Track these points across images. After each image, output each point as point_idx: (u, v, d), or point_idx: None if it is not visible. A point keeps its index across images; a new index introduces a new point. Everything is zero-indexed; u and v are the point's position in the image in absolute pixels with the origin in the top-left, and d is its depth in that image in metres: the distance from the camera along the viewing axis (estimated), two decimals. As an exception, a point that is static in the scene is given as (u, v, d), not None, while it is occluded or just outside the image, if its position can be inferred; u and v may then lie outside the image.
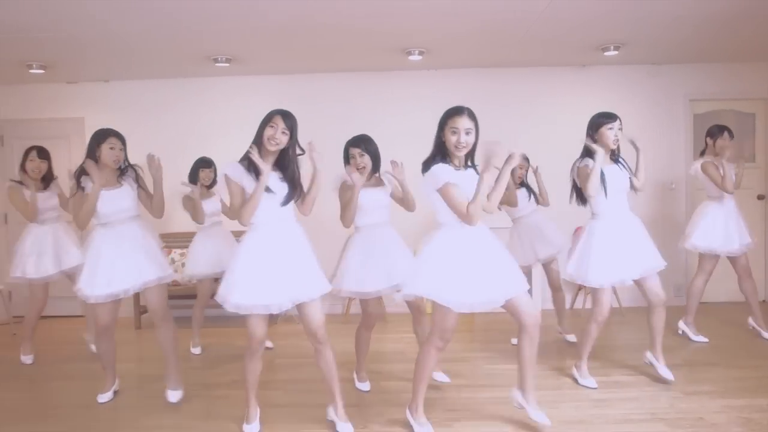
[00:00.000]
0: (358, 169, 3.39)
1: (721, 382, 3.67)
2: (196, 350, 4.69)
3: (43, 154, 4.48)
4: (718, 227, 4.46)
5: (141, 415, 3.38)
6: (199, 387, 3.81)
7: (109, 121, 5.96)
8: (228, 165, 2.90)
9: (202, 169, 4.62)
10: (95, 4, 3.86)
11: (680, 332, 4.72)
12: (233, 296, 2.81)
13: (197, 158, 4.71)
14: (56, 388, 3.97)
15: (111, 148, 3.39)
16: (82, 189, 3.30)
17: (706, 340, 4.60)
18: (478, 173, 2.80)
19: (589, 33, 4.83)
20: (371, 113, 5.92)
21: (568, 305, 5.14)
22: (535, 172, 4.60)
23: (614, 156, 3.61)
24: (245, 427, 3.07)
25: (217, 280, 4.51)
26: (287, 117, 2.89)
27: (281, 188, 2.87)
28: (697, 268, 4.68)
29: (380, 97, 6.01)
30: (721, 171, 4.42)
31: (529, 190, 4.61)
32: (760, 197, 6.05)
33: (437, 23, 4.46)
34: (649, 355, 3.76)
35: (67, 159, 6.00)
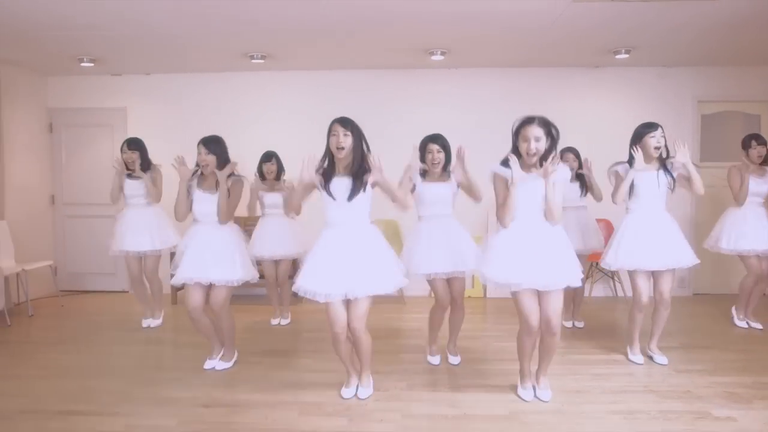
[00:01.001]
0: (433, 163, 3.74)
1: (711, 362, 4.02)
2: (276, 321, 5.16)
3: (132, 145, 4.85)
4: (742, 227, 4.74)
5: (186, 374, 3.81)
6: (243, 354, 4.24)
7: (150, 111, 6.48)
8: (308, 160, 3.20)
9: (264, 163, 4.99)
10: (142, 5, 4.22)
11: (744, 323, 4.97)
12: (306, 283, 3.17)
13: (262, 154, 5.07)
14: (106, 352, 4.41)
15: (199, 155, 3.80)
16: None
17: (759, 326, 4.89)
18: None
19: (601, 37, 5.14)
20: (394, 108, 6.31)
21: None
22: (587, 165, 4.74)
23: (661, 161, 3.87)
24: (344, 390, 3.44)
25: (276, 262, 5.09)
26: (343, 121, 3.21)
27: (343, 191, 3.16)
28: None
29: (403, 94, 6.38)
30: (740, 180, 4.75)
31: (583, 183, 4.79)
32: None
33: (459, 26, 4.79)
34: (648, 348, 4.12)
35: (110, 146, 6.48)
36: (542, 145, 3.09)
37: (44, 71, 6.35)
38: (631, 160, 3.86)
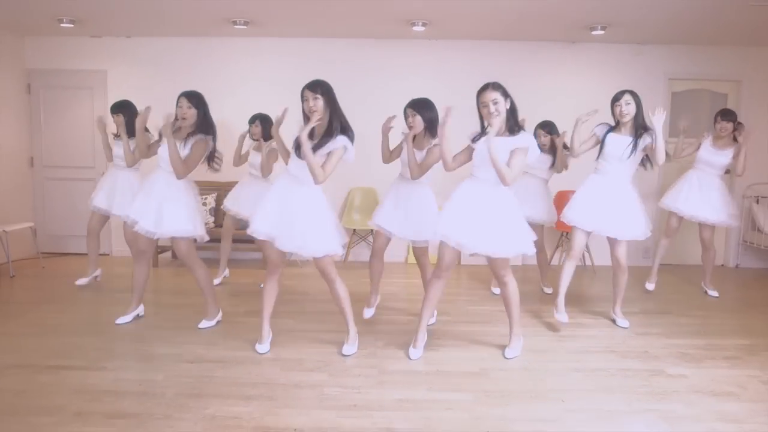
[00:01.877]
0: (409, 127, 3.87)
1: (668, 326, 4.29)
2: (218, 280, 5.30)
3: (116, 108, 4.86)
4: (686, 192, 5.02)
5: (171, 333, 3.95)
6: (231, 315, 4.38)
7: (130, 75, 6.46)
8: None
9: (250, 125, 5.08)
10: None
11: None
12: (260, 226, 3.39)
13: (252, 116, 5.11)
14: (89, 310, 4.52)
15: (179, 107, 3.88)
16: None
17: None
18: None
19: (578, 12, 5.26)
20: (376, 77, 6.39)
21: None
22: (562, 138, 4.83)
23: (636, 129, 4.00)
24: (257, 346, 3.63)
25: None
26: (312, 85, 3.31)
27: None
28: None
29: (385, 63, 6.45)
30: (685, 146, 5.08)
31: (554, 156, 4.90)
32: (727, 171, 6.58)
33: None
34: (612, 312, 4.38)
35: (90, 108, 6.47)
36: (501, 107, 3.25)
37: (23, 31, 6.26)
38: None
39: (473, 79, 6.00)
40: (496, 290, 5.15)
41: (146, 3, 5.15)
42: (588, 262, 6.40)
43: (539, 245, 5.11)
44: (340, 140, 3.28)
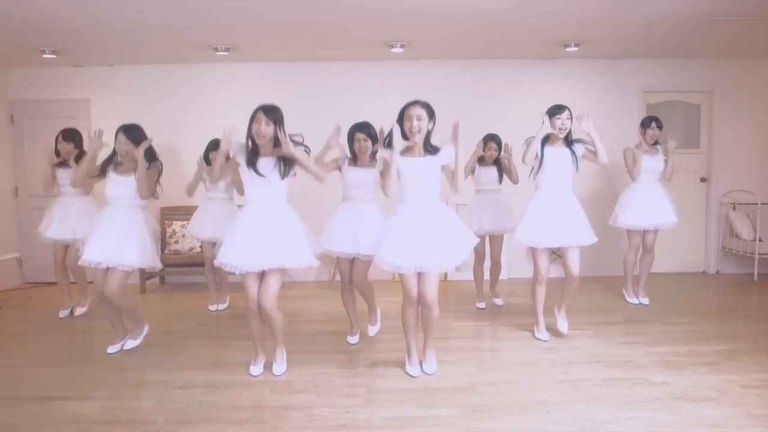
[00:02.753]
0: (360, 151, 3.96)
1: (651, 334, 4.38)
2: (213, 307, 5.33)
3: (68, 136, 4.92)
4: (635, 205, 5.14)
5: (160, 359, 3.97)
6: (208, 338, 4.41)
7: (113, 103, 6.53)
8: (236, 142, 3.46)
9: (211, 152, 5.11)
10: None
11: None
12: (225, 258, 3.42)
13: (209, 141, 5.18)
14: (77, 339, 4.52)
15: (118, 144, 3.94)
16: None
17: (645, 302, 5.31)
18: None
19: (552, 31, 5.42)
20: (355, 98, 6.49)
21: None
22: (506, 150, 5.02)
23: (567, 142, 4.19)
24: (252, 368, 3.68)
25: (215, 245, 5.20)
26: (267, 109, 3.38)
27: (269, 170, 3.38)
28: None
29: (364, 84, 6.57)
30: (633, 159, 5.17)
31: (500, 169, 5.10)
32: (703, 180, 6.77)
33: (417, 21, 5.00)
34: (555, 310, 4.44)
35: (73, 137, 6.47)
36: (424, 124, 3.35)
37: (5, 62, 6.31)
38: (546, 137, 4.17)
39: (451, 98, 6.18)
40: (481, 304, 5.26)
41: (127, 32, 5.22)
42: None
43: (496, 258, 5.21)
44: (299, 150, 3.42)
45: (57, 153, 4.93)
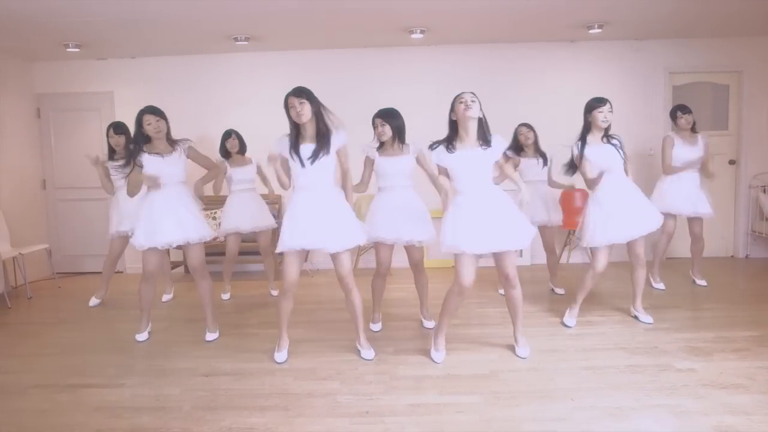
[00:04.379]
0: (380, 136, 3.96)
1: (677, 320, 4.31)
2: (226, 296, 5.40)
3: (119, 129, 4.97)
4: (680, 192, 5.03)
5: (186, 348, 4.03)
6: (231, 327, 4.46)
7: (136, 95, 6.59)
8: (277, 140, 3.50)
9: (227, 140, 5.17)
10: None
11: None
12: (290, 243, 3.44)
13: (223, 132, 5.22)
14: (105, 328, 4.62)
15: (148, 124, 3.92)
16: (138, 165, 3.91)
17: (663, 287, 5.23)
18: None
19: (574, 12, 5.31)
20: (376, 85, 6.47)
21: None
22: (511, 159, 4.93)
23: (607, 136, 4.07)
24: (276, 354, 3.72)
25: (257, 234, 5.31)
26: (297, 92, 3.38)
27: (310, 159, 3.41)
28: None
29: (385, 71, 6.53)
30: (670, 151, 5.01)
31: (543, 156, 4.98)
32: (732, 162, 6.61)
33: (437, 5, 4.95)
34: (632, 308, 4.43)
35: (98, 129, 6.59)
36: (476, 107, 3.34)
37: (30, 57, 6.42)
38: (585, 135, 4.08)
39: (474, 83, 6.11)
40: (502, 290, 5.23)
41: (148, 24, 5.26)
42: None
43: (549, 246, 5.16)
44: (341, 134, 3.47)
45: (111, 148, 4.99)
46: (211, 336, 4.19)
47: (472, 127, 3.38)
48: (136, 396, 3.26)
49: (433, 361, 3.61)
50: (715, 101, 6.60)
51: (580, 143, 4.08)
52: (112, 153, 4.99)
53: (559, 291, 5.25)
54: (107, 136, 4.98)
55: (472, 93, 3.37)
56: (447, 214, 3.45)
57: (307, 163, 3.40)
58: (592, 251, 4.19)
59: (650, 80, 6.45)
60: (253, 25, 5.40)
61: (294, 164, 3.45)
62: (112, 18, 5.00)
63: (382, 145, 4.02)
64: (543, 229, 5.07)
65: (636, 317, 4.35)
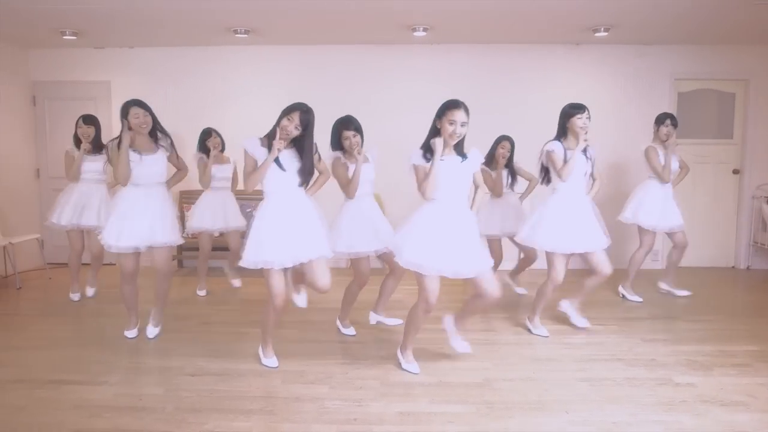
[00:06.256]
0: (351, 147, 3.81)
1: (676, 332, 4.22)
2: (202, 292, 5.33)
3: (89, 120, 4.89)
4: (657, 206, 4.90)
5: (173, 345, 3.94)
6: (220, 324, 4.37)
7: (133, 85, 6.49)
8: (247, 139, 3.30)
9: (207, 139, 5.10)
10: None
11: (621, 296, 5.19)
12: (254, 255, 3.26)
13: (201, 130, 5.16)
14: (94, 322, 4.52)
15: (135, 117, 3.78)
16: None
17: (639, 299, 5.06)
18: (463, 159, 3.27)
19: (580, 14, 5.21)
20: (376, 82, 6.37)
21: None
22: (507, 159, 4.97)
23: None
24: (265, 360, 3.59)
25: (218, 235, 5.30)
26: (305, 112, 3.23)
27: (292, 167, 3.28)
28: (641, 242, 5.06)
29: (386, 68, 6.42)
30: (662, 160, 4.86)
31: (511, 172, 5.02)
32: (735, 171, 6.52)
33: (440, 3, 4.85)
34: (565, 304, 4.35)
35: (94, 119, 6.48)
36: (465, 130, 3.19)
37: (27, 44, 6.31)
38: (560, 138, 4.00)
39: (474, 84, 6.02)
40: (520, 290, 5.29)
41: (147, 14, 5.16)
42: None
43: (532, 255, 5.07)
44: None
45: (77, 139, 4.88)
46: (152, 332, 4.10)
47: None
48: (118, 395, 3.16)
49: (411, 372, 3.47)
50: (720, 109, 6.50)
51: (556, 141, 3.99)
52: (77, 143, 4.87)
53: (520, 290, 5.31)
54: (76, 126, 4.87)
55: (466, 112, 3.17)
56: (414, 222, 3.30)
57: (292, 167, 3.31)
58: (548, 258, 4.08)
59: (655, 86, 6.35)
60: (253, 17, 5.29)
61: (270, 169, 3.26)
62: (110, 6, 4.90)
63: (346, 153, 3.88)
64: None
65: (529, 330, 4.22)
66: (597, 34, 5.75)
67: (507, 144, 4.95)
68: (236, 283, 5.54)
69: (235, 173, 5.30)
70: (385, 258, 3.99)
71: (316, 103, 3.36)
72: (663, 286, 5.29)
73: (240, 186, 5.20)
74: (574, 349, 3.88)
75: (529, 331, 4.20)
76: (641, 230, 4.99)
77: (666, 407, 2.99)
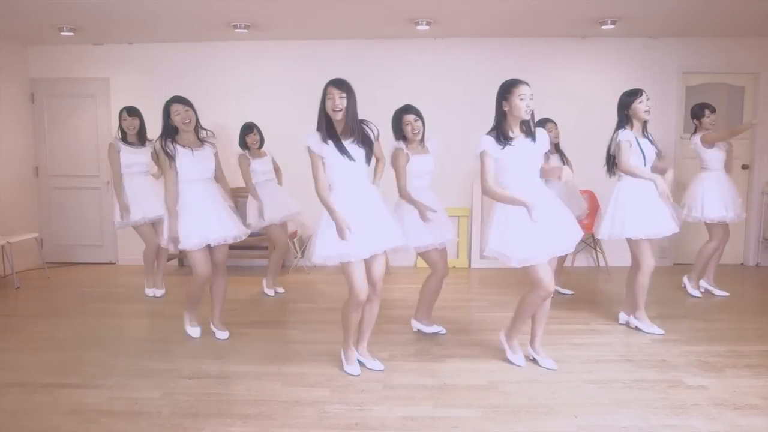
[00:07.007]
0: (413, 133, 3.76)
1: (686, 332, 4.11)
2: (270, 291, 5.18)
3: (132, 112, 4.88)
4: (717, 196, 4.83)
5: (171, 347, 3.86)
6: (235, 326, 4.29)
7: (132, 82, 6.42)
8: (309, 136, 3.13)
9: (247, 135, 4.99)
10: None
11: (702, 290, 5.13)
12: (328, 249, 3.12)
13: (242, 125, 5.05)
14: (93, 323, 4.45)
15: (176, 114, 3.71)
16: (170, 157, 3.67)
17: (725, 292, 5.06)
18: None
19: (586, 6, 5.09)
20: (380, 78, 6.25)
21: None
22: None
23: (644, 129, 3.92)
24: (347, 367, 3.41)
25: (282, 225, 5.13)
26: (338, 84, 3.09)
27: (358, 154, 3.13)
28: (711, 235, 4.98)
29: (389, 63, 6.32)
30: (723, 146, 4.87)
31: (562, 155, 4.82)
32: (745, 167, 6.39)
33: (444, -3, 4.76)
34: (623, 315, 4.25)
35: (93, 116, 6.42)
36: (534, 103, 3.17)
37: (25, 41, 6.24)
38: (622, 126, 3.90)
39: (479, 78, 5.91)
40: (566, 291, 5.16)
41: (146, 9, 5.08)
42: (602, 263, 6.23)
43: None
44: (373, 126, 3.29)
45: (123, 131, 4.90)
46: (221, 335, 4.02)
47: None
48: (114, 399, 3.08)
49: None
50: (729, 103, 6.37)
51: (622, 131, 3.88)
52: (124, 136, 4.91)
53: (566, 291, 5.10)
54: (120, 119, 4.90)
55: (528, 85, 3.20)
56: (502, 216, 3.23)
57: (359, 161, 3.18)
58: (634, 247, 3.98)
59: (663, 80, 6.23)
60: (253, 11, 5.20)
61: (336, 160, 3.12)
62: (109, 2, 4.81)
63: (408, 142, 3.81)
64: None
65: (638, 328, 4.14)
66: (603, 27, 5.64)
67: (553, 126, 4.70)
68: (274, 291, 5.22)
69: (275, 164, 5.19)
70: (427, 257, 3.88)
71: (318, 100, 3.27)
72: (703, 283, 5.18)
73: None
74: (581, 349, 3.78)
75: (638, 329, 4.10)
76: (709, 224, 4.91)
77: (678, 411, 2.89)
